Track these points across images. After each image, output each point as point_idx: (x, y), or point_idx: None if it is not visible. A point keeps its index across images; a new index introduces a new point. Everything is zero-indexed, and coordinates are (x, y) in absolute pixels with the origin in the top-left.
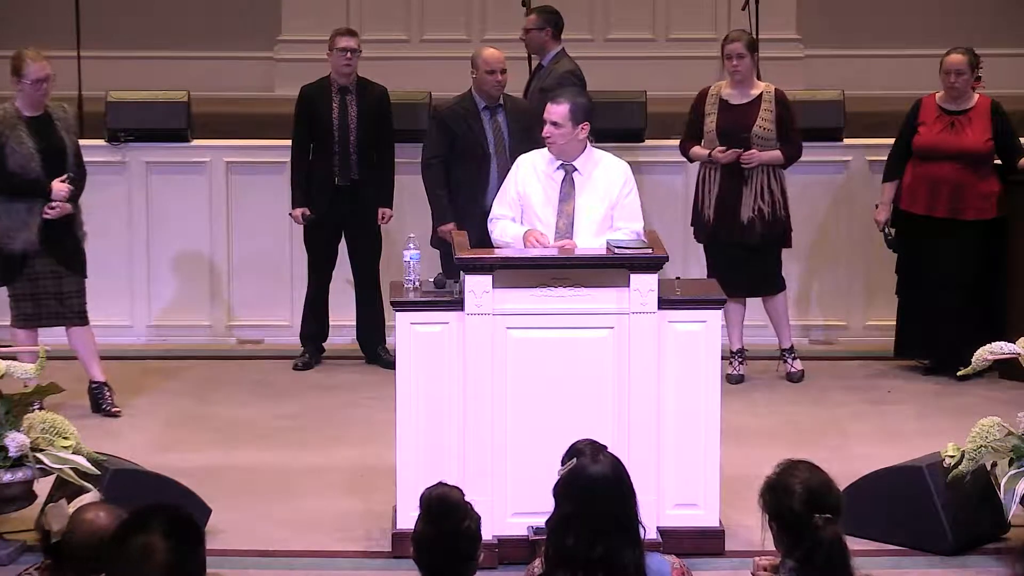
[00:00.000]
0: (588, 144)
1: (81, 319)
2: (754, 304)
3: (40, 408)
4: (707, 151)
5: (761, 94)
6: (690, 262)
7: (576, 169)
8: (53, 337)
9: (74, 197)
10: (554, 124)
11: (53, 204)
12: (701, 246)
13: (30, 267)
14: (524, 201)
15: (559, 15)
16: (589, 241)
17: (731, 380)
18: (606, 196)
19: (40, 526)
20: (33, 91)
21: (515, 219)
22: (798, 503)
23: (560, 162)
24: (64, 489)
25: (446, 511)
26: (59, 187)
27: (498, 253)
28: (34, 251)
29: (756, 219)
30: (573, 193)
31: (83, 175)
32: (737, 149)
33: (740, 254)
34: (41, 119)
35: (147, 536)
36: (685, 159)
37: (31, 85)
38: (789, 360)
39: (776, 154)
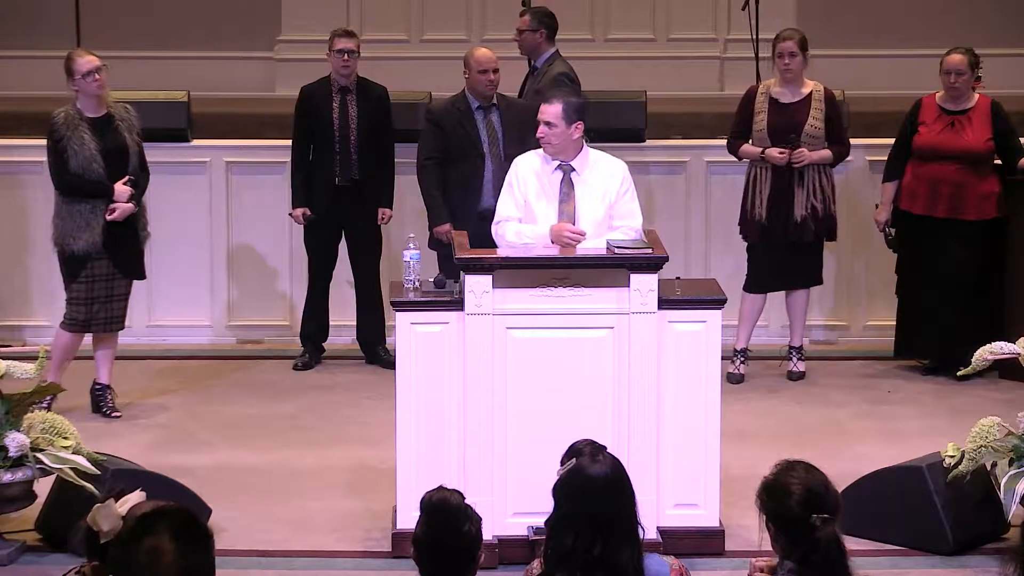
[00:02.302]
0: (584, 144)
1: (120, 325)
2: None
3: (48, 408)
4: (758, 149)
5: (811, 93)
6: (690, 262)
7: (574, 169)
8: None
9: (136, 198)
10: (548, 124)
11: (115, 206)
12: (705, 245)
13: (90, 269)
14: (524, 202)
15: (553, 16)
16: (590, 241)
17: (731, 380)
18: (605, 196)
19: (88, 526)
20: (87, 85)
21: (521, 220)
22: (795, 503)
23: (557, 162)
24: (111, 490)
25: (446, 516)
26: (121, 189)
27: (498, 253)
28: (96, 252)
29: (809, 217)
30: (572, 193)
31: (146, 176)
32: (789, 150)
33: (789, 251)
34: (103, 120)
35: (155, 538)
36: (734, 157)
37: (83, 79)
38: (794, 359)
39: (826, 153)
